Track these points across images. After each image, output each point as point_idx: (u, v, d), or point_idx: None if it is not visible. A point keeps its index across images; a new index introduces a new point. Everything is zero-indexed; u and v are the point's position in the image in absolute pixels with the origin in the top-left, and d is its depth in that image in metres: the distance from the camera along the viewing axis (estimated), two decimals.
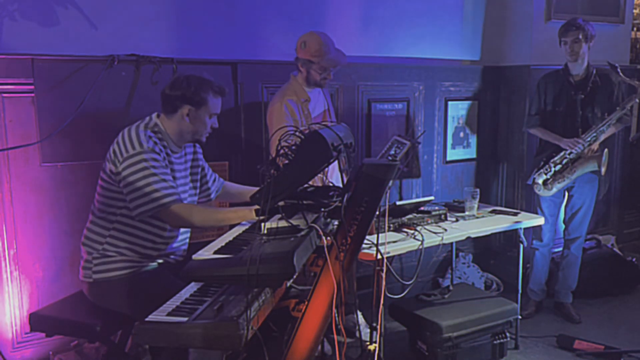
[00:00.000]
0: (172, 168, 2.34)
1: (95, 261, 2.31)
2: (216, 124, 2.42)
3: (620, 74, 3.40)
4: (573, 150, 3.42)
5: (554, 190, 3.54)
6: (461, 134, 4.24)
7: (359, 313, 3.39)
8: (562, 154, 3.47)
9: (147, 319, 1.66)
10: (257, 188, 2.59)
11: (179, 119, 2.33)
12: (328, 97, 3.23)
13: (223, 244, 2.07)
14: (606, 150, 3.46)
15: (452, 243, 3.65)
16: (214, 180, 2.68)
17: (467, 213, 3.25)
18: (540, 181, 3.53)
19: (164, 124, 2.36)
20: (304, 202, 2.02)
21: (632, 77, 3.45)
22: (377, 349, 2.18)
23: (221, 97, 2.39)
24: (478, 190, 3.27)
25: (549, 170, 3.51)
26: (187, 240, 2.54)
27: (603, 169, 3.44)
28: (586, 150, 3.44)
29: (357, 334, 3.02)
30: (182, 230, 2.46)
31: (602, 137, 3.48)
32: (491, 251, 4.43)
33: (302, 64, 2.94)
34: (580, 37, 3.40)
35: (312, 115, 3.05)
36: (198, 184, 2.56)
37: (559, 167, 3.50)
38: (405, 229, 2.90)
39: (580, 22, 3.43)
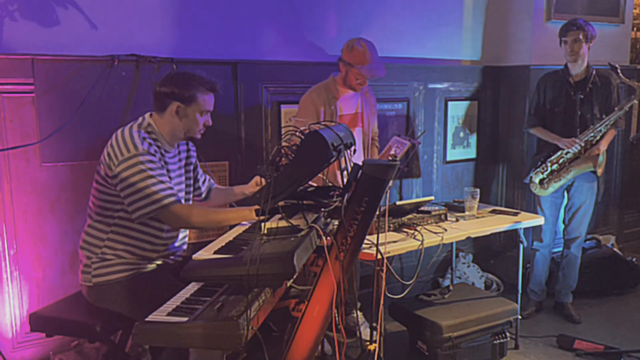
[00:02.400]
0: (167, 168, 2.32)
1: (94, 265, 2.30)
2: (209, 122, 2.38)
3: (621, 74, 3.40)
4: (570, 150, 3.43)
5: (550, 189, 3.54)
6: (461, 134, 4.24)
7: (359, 313, 3.40)
8: (559, 153, 3.48)
9: (147, 319, 1.66)
10: (246, 185, 2.60)
11: (169, 117, 2.30)
12: (367, 103, 3.28)
13: (223, 244, 2.07)
14: (602, 150, 3.46)
15: (452, 243, 3.66)
16: (204, 180, 2.67)
17: (467, 213, 3.25)
18: (536, 180, 3.55)
19: (156, 123, 2.33)
20: (304, 202, 2.02)
21: (632, 77, 3.45)
22: (377, 349, 2.18)
23: (213, 94, 2.35)
24: (478, 190, 3.27)
25: (545, 169, 3.52)
26: (186, 240, 2.54)
27: (599, 170, 3.45)
28: (584, 150, 3.44)
29: (358, 334, 3.02)
30: (180, 230, 2.46)
31: (604, 142, 3.47)
32: (491, 251, 4.43)
33: (344, 65, 3.07)
34: (581, 36, 3.40)
35: (340, 113, 3.15)
36: (191, 182, 2.55)
37: (555, 166, 3.51)
38: (405, 229, 2.90)
39: (581, 22, 3.43)
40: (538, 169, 3.55)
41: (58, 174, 2.85)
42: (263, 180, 2.47)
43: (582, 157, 3.45)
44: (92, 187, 2.33)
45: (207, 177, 2.70)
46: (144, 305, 1.93)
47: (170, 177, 2.32)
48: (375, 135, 3.41)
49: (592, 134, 3.42)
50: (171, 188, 2.22)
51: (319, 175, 2.26)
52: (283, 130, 3.31)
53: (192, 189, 2.56)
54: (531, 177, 3.58)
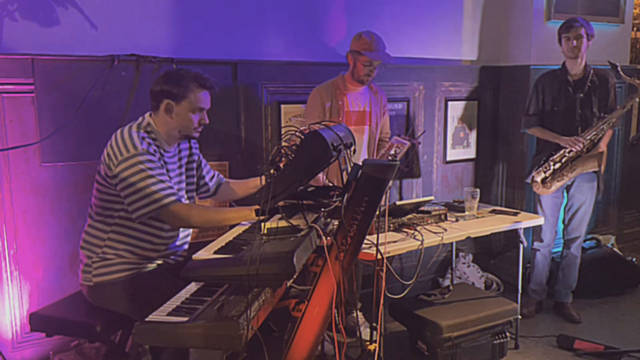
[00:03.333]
0: (167, 168, 2.32)
1: (95, 265, 2.30)
2: (206, 120, 2.35)
3: (621, 72, 3.40)
4: (573, 149, 3.42)
5: (553, 188, 3.53)
6: (461, 134, 4.24)
7: (359, 313, 3.40)
8: (561, 152, 3.47)
9: (147, 319, 1.66)
10: (258, 177, 2.58)
11: (162, 115, 2.29)
12: (376, 102, 3.30)
13: (223, 244, 2.07)
14: (604, 148, 3.47)
15: (452, 243, 3.65)
16: (212, 176, 2.66)
17: (467, 213, 3.25)
18: (539, 179, 3.53)
19: (155, 123, 2.33)
20: (304, 202, 2.02)
21: (632, 77, 3.45)
22: (377, 349, 2.18)
23: (207, 91, 2.32)
24: (478, 190, 3.27)
25: (548, 168, 3.51)
26: (188, 239, 2.54)
27: (602, 168, 3.45)
28: (585, 149, 3.44)
29: (358, 334, 3.02)
30: (181, 230, 2.46)
31: (604, 142, 3.47)
32: (491, 251, 4.43)
33: (352, 55, 3.13)
34: (583, 33, 3.40)
35: (347, 109, 3.17)
36: (194, 180, 2.54)
37: (558, 165, 3.50)
38: (405, 229, 2.90)
39: (582, 20, 3.44)
40: (540, 168, 3.54)
41: (58, 174, 2.85)
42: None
43: (585, 156, 3.45)
44: (93, 187, 2.33)
45: (216, 172, 2.69)
46: (144, 305, 1.93)
47: (169, 177, 2.31)
48: (387, 137, 3.42)
49: (594, 133, 3.42)
50: (171, 187, 2.22)
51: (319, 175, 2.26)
52: (283, 130, 3.31)
53: (194, 187, 2.55)
54: (533, 177, 3.56)
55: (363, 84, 3.19)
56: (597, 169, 3.45)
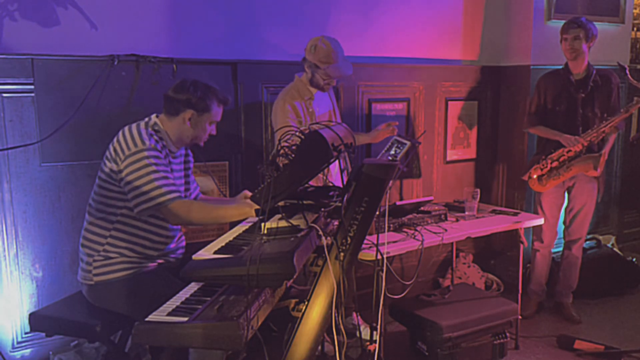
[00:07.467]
0: (171, 168, 2.35)
1: (96, 263, 2.31)
2: (214, 131, 2.45)
3: (629, 75, 3.40)
4: (572, 149, 3.42)
5: (547, 186, 3.54)
6: (461, 134, 4.24)
7: (358, 315, 3.40)
8: (560, 151, 3.47)
9: (147, 319, 1.66)
10: (233, 198, 2.58)
11: (180, 122, 2.35)
12: (334, 98, 3.25)
13: (223, 244, 2.07)
14: (603, 151, 3.47)
15: (452, 243, 3.66)
16: (194, 187, 2.64)
17: (467, 213, 3.25)
18: (535, 176, 3.54)
19: (164, 125, 2.37)
20: (304, 202, 2.02)
21: (632, 77, 3.45)
22: (377, 349, 2.18)
23: (224, 107, 2.43)
24: (478, 190, 3.27)
25: (545, 166, 3.51)
26: (183, 237, 2.54)
27: (599, 170, 3.44)
28: (585, 150, 3.44)
29: (357, 334, 3.02)
30: (179, 228, 2.47)
31: (607, 147, 3.48)
32: (491, 251, 4.43)
33: (309, 66, 2.96)
34: (581, 35, 3.39)
35: (317, 114, 3.06)
36: (189, 186, 2.57)
37: (555, 163, 3.49)
38: (405, 229, 2.90)
39: (583, 21, 3.43)
40: (538, 165, 3.54)
41: (58, 174, 2.85)
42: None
43: (583, 157, 3.45)
44: (95, 184, 2.35)
45: (197, 186, 2.69)
46: (144, 304, 1.94)
47: (174, 176, 2.34)
48: None
49: (595, 134, 3.42)
50: (175, 185, 2.25)
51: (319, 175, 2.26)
52: (279, 132, 3.30)
53: (189, 192, 2.57)
54: (530, 174, 3.57)
55: (323, 91, 3.04)
56: (594, 172, 3.44)
